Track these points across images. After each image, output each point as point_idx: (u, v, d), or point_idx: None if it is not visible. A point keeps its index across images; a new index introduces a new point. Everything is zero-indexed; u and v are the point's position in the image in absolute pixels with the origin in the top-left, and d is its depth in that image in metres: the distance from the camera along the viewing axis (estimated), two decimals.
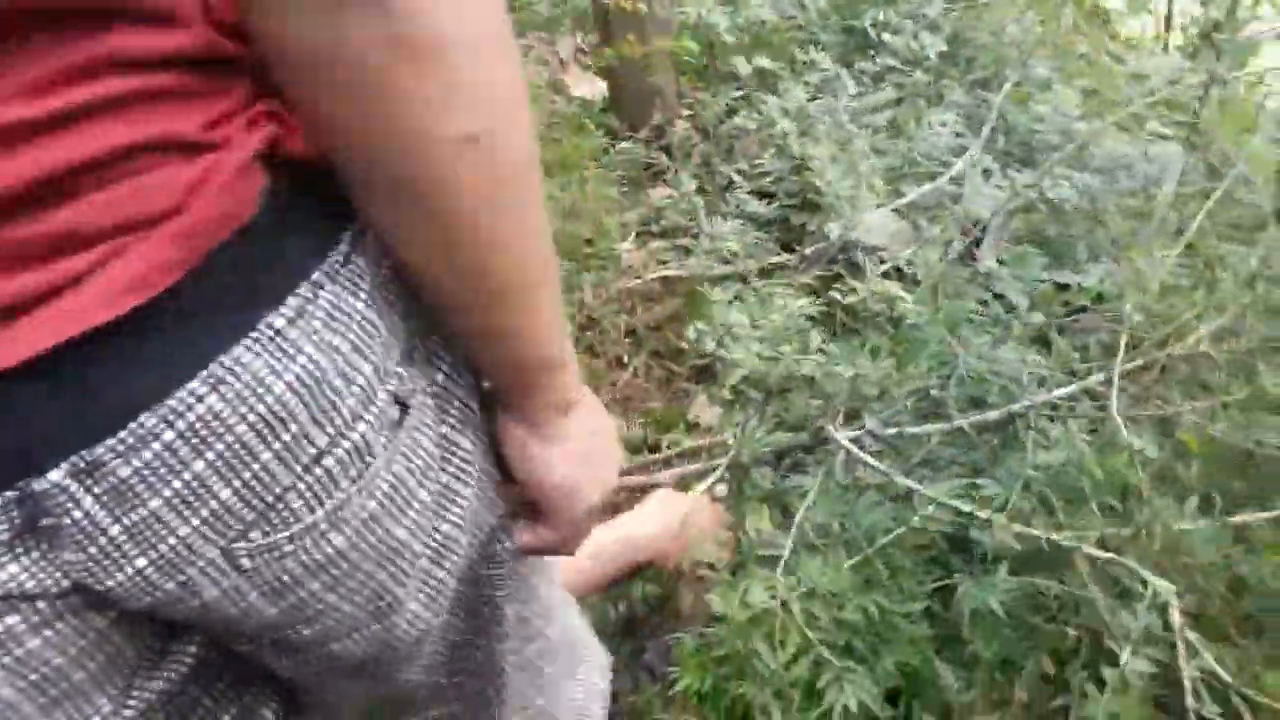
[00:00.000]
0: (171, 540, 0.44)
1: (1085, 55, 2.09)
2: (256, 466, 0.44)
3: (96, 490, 0.42)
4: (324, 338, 0.46)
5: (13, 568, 0.43)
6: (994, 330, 1.25)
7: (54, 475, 0.41)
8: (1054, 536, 0.98)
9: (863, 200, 1.64)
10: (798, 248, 1.80)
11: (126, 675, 0.50)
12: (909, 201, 1.76)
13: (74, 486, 0.41)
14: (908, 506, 1.10)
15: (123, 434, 0.41)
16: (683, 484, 1.39)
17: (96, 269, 0.40)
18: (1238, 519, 1.02)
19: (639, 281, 1.72)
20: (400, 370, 0.51)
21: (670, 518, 1.30)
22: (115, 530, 0.43)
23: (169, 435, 0.42)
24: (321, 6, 0.39)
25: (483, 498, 0.60)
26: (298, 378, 0.45)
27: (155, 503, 0.43)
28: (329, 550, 0.49)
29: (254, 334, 0.43)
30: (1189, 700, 0.90)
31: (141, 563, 0.44)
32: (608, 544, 1.29)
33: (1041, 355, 1.20)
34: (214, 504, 0.44)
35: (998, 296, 1.39)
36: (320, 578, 0.50)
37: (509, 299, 0.52)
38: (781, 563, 1.06)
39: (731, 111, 2.13)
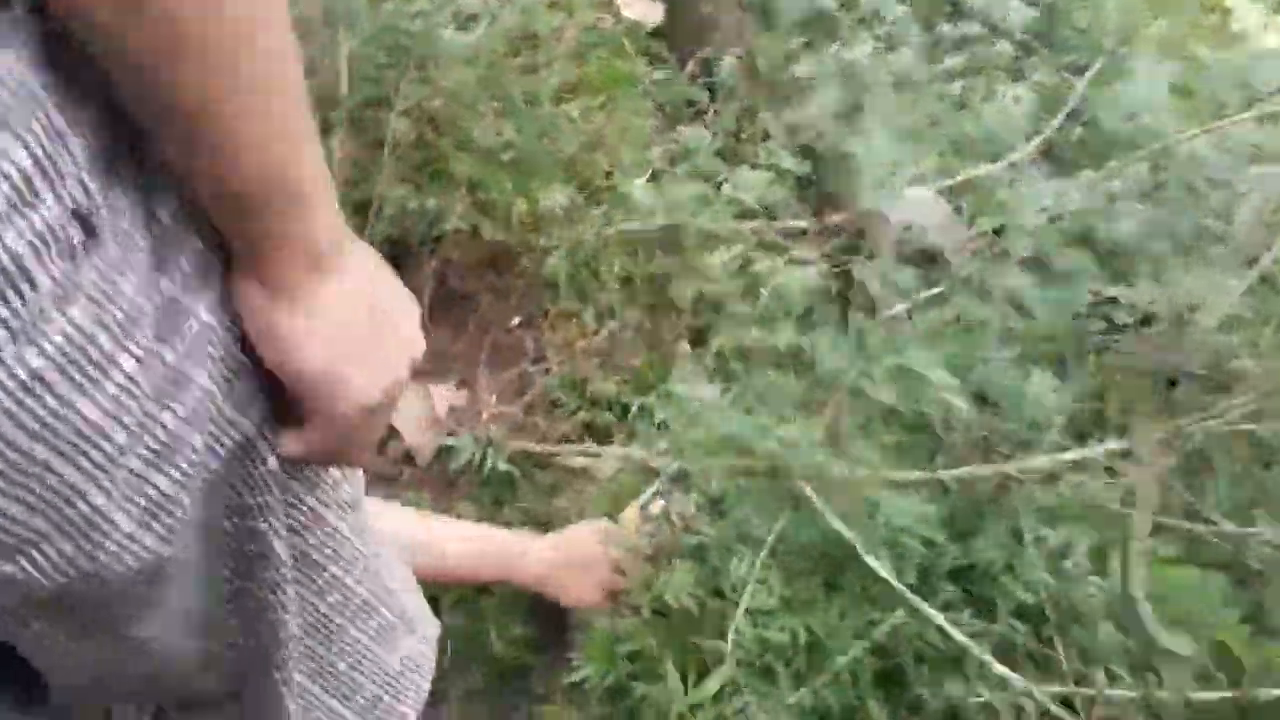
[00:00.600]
0: None
1: (1189, 52, 1.87)
2: None
3: None
4: None
5: None
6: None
7: None
8: None
9: (904, 172, 1.48)
10: (828, 211, 1.63)
11: None
12: (958, 182, 1.59)
13: None
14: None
15: None
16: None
17: None
18: None
19: (646, 225, 1.56)
20: (84, 176, 0.38)
21: (583, 557, 1.14)
22: None
23: None
24: None
25: (229, 391, 0.47)
26: None
27: None
28: None
29: None
30: None
31: None
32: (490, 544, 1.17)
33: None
34: None
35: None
36: None
37: (209, 70, 0.37)
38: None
39: (790, 58, 1.95)
